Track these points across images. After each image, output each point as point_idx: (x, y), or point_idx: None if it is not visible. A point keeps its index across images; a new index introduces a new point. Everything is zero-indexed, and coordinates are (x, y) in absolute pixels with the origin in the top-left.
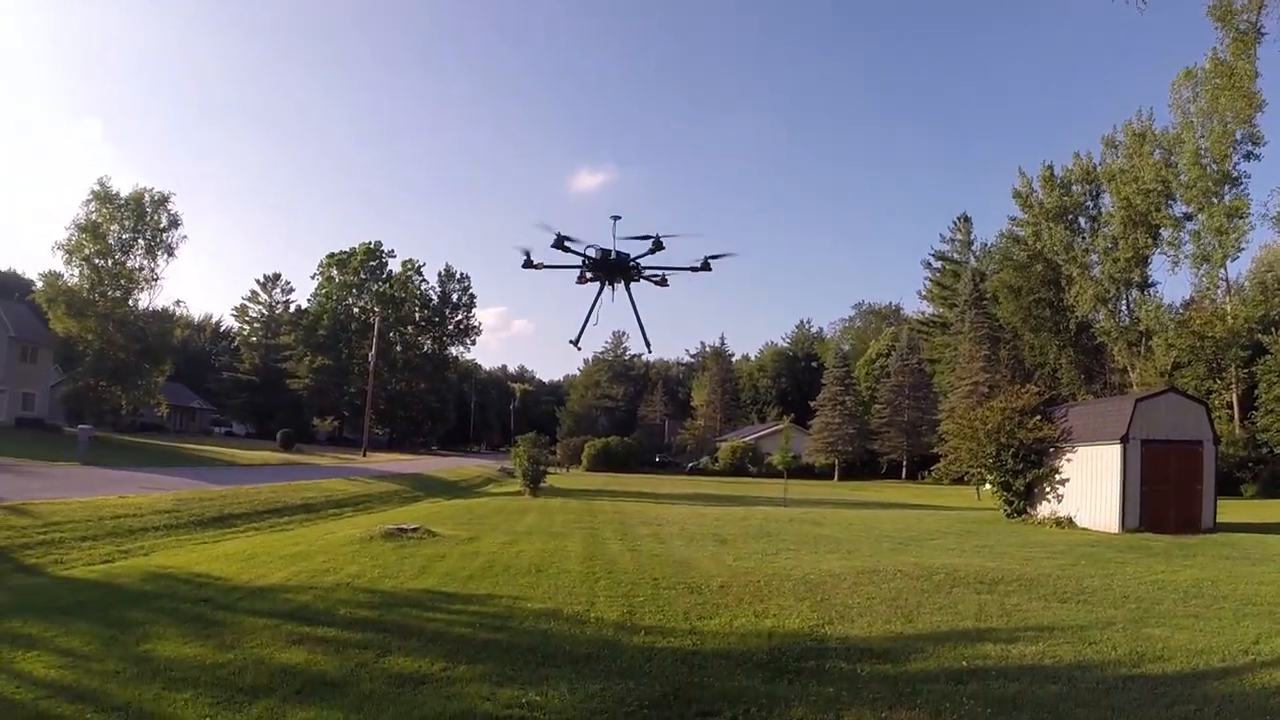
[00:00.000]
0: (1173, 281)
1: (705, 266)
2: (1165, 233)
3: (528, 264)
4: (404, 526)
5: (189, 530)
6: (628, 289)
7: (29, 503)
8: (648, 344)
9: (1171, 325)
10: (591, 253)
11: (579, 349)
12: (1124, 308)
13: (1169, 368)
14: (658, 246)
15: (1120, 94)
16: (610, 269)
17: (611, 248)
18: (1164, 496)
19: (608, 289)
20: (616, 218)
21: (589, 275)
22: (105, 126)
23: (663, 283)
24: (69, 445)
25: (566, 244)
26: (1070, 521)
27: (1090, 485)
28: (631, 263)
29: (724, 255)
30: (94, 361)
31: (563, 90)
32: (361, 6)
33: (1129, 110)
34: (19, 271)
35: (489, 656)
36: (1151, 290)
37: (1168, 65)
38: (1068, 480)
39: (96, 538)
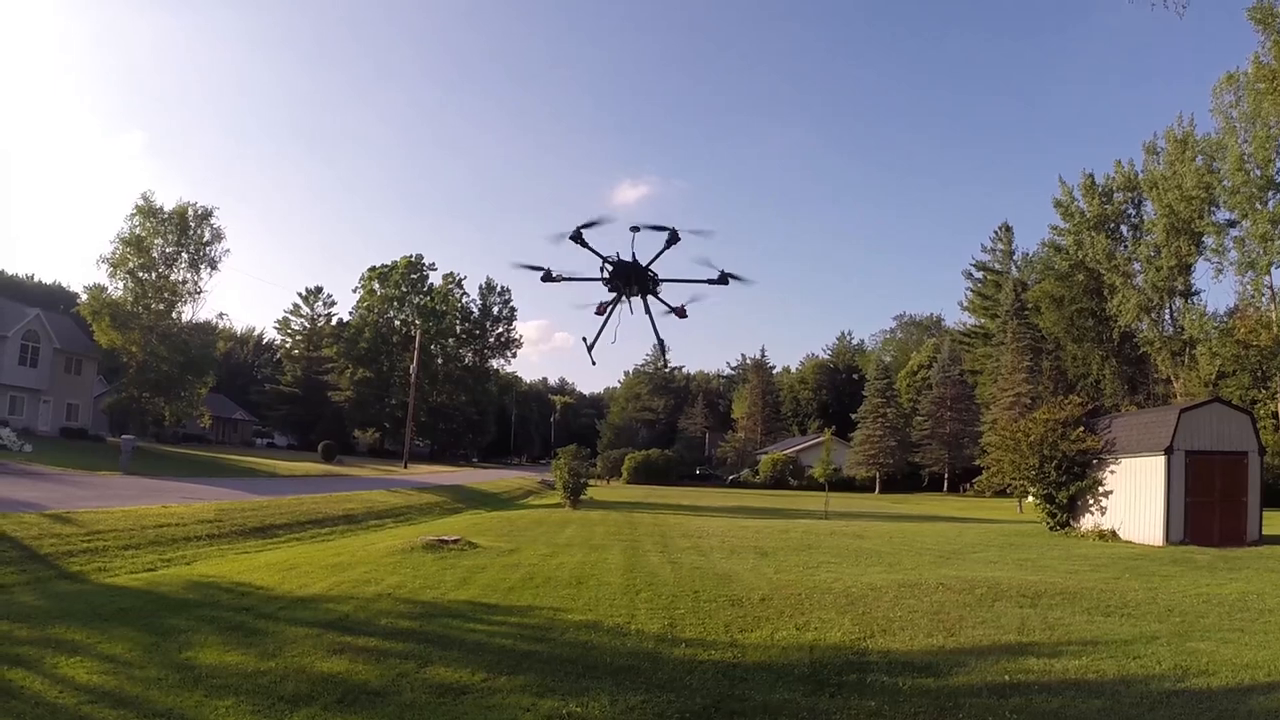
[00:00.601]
0: (1216, 289)
1: (723, 280)
2: (1209, 240)
3: (546, 277)
4: (445, 538)
5: (231, 540)
6: (644, 301)
7: (73, 511)
8: (664, 356)
9: (1215, 334)
10: (612, 261)
11: (594, 363)
12: (1167, 317)
13: (1213, 377)
14: (673, 239)
15: (1162, 100)
16: (628, 278)
17: (630, 258)
18: (1209, 508)
19: (625, 305)
20: (635, 229)
21: (607, 289)
22: (148, 139)
23: (682, 314)
24: (112, 455)
25: (584, 235)
26: (1114, 534)
27: (1134, 497)
28: (648, 269)
29: (740, 279)
30: (137, 373)
31: (606, 102)
32: (407, 23)
33: (1171, 116)
34: (64, 284)
35: (530, 668)
36: (1195, 299)
37: (1210, 69)
38: (1111, 492)
39: (139, 546)
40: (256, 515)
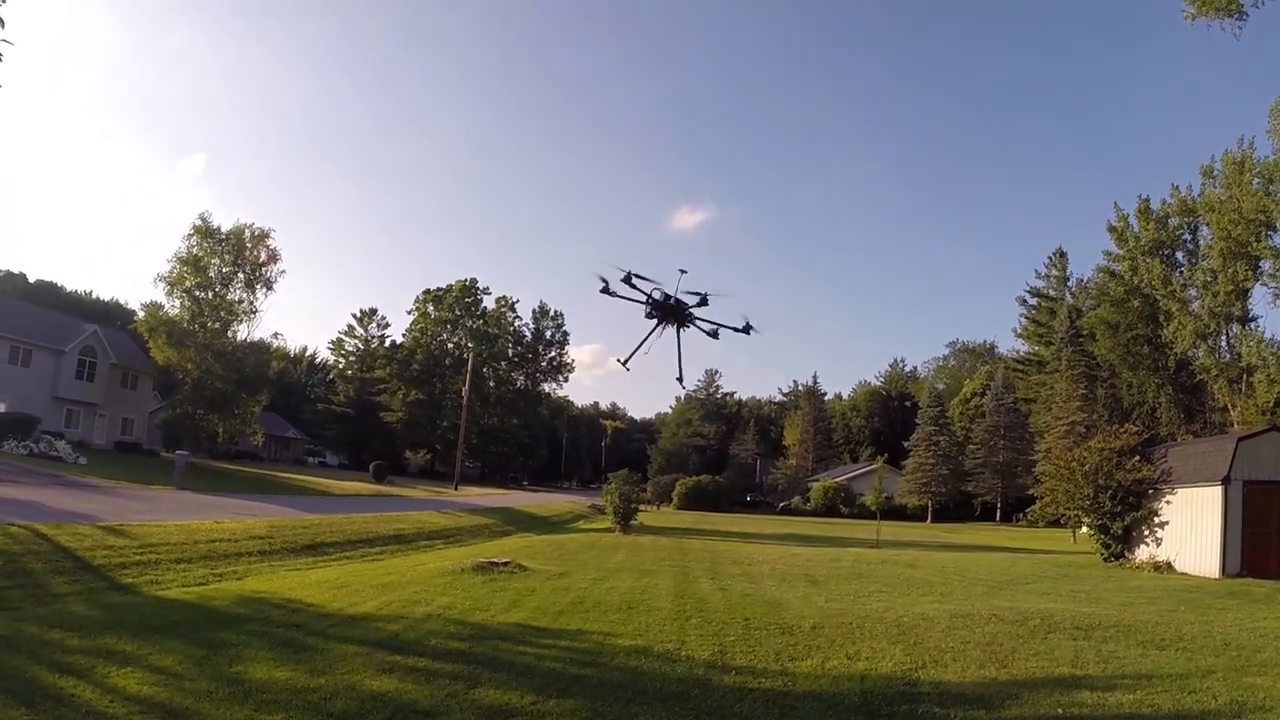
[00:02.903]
0: (1274, 315)
1: (746, 330)
2: (1266, 264)
3: (605, 290)
4: (495, 560)
5: (282, 557)
6: (678, 331)
7: (126, 524)
8: (681, 379)
9: (1273, 360)
10: (657, 295)
11: (627, 369)
12: (1224, 343)
13: (1271, 405)
14: (703, 302)
15: (1222, 126)
16: (666, 312)
17: (673, 294)
18: (1267, 540)
19: (663, 328)
20: (683, 271)
21: (647, 316)
22: (209, 161)
23: (714, 335)
24: (165, 470)
25: (634, 281)
26: (1169, 565)
27: (1190, 528)
28: (686, 310)
29: (752, 330)
30: (192, 390)
31: (664, 129)
32: (464, 50)
33: (1230, 141)
34: (121, 301)
35: (579, 692)
36: (1253, 324)
37: (1271, 91)
38: (1167, 523)
39: (191, 560)
40: (308, 533)
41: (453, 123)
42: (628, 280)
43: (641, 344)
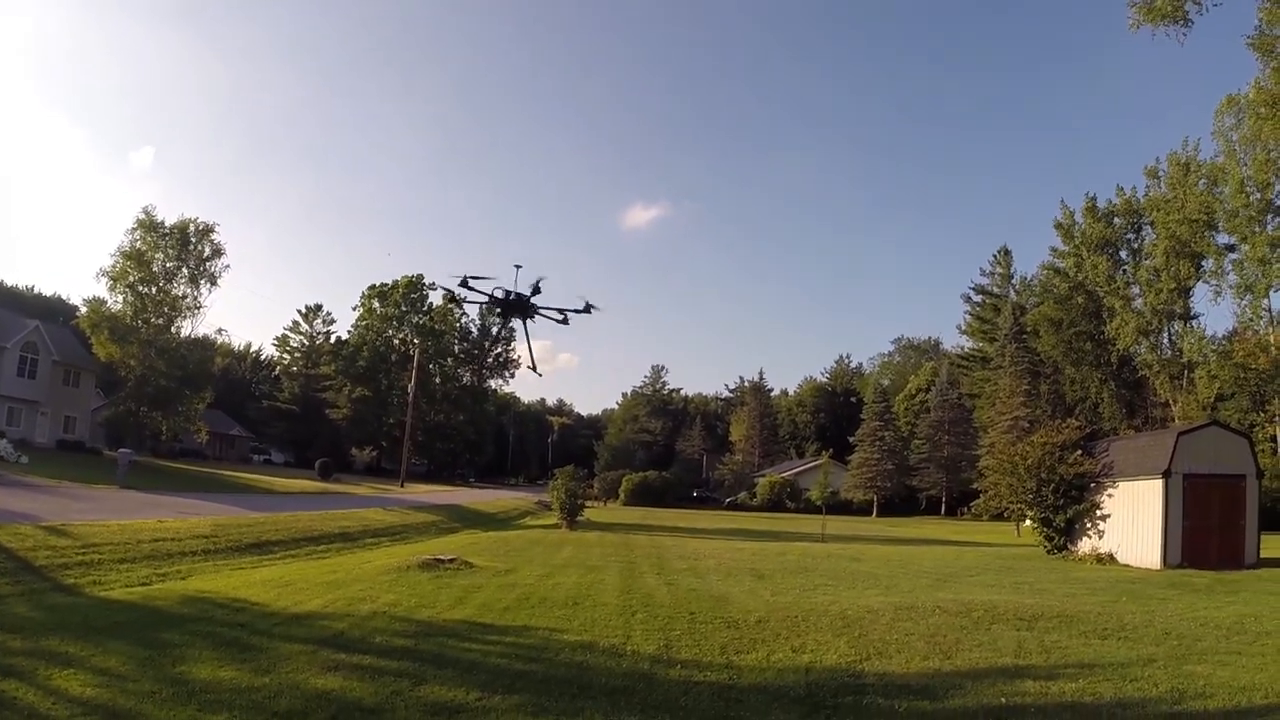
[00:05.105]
0: (1215, 312)
1: (587, 309)
2: (1208, 263)
3: (450, 299)
4: (441, 557)
5: (226, 556)
6: (524, 323)
7: (68, 524)
8: (534, 368)
9: (1214, 357)
10: (498, 294)
11: (539, 375)
12: (1166, 340)
13: (1211, 400)
14: (536, 291)
15: (1164, 129)
16: (509, 307)
17: (513, 290)
18: (1206, 532)
19: (525, 321)
20: (519, 266)
21: (498, 311)
22: (157, 154)
23: (564, 321)
24: (108, 468)
25: (470, 285)
26: (1111, 557)
27: (1131, 521)
28: (527, 301)
29: (594, 309)
30: (135, 387)
31: (620, 128)
32: (418, 46)
33: (1168, 146)
34: (64, 296)
35: (525, 687)
36: (1194, 322)
37: (1214, 96)
38: (1109, 515)
39: (134, 560)
40: (252, 531)
41: (401, 122)
42: (464, 284)
43: (529, 347)
